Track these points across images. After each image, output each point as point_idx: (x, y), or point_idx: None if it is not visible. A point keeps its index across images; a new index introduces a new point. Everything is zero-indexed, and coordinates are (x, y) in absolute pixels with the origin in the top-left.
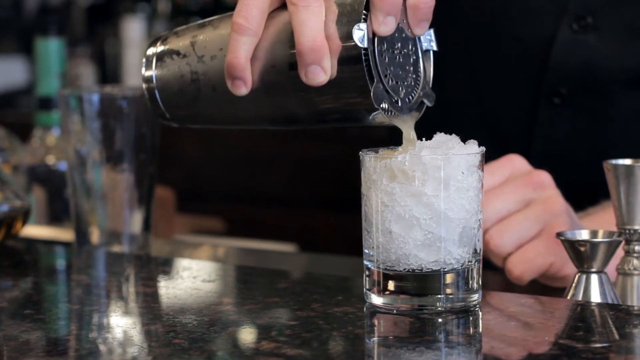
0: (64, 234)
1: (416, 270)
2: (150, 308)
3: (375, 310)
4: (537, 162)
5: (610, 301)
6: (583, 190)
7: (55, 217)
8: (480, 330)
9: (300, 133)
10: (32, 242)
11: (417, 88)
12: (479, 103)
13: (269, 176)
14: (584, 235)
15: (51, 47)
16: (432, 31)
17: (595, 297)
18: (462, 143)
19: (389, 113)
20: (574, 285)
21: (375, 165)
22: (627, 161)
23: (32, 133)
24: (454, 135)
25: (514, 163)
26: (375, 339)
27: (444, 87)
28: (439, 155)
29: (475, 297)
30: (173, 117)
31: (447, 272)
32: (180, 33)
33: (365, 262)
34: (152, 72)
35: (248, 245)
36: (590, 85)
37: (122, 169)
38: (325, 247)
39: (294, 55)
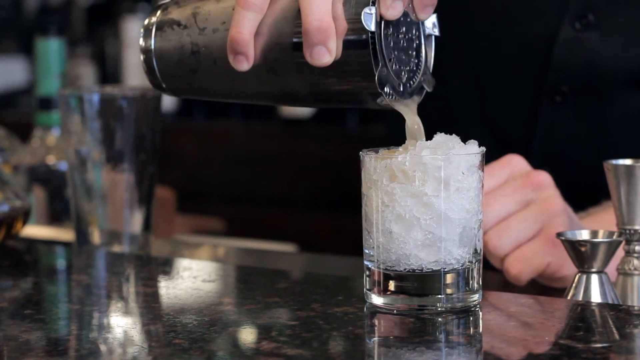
0: (64, 234)
1: (416, 271)
2: (150, 308)
3: (375, 310)
4: (537, 161)
5: (610, 301)
6: (583, 189)
7: (55, 217)
8: (481, 330)
9: (301, 133)
10: (32, 242)
11: (419, 73)
12: (479, 101)
13: (269, 176)
14: (584, 235)
15: (51, 47)
16: (435, 16)
17: (596, 297)
18: (462, 143)
19: (391, 97)
20: (574, 285)
21: (375, 165)
22: (628, 161)
23: (32, 133)
24: (454, 135)
25: (513, 164)
26: (376, 339)
27: (445, 85)
28: (439, 155)
29: (476, 297)
30: (170, 87)
31: (448, 272)
32: (181, 3)
33: (366, 262)
34: (151, 42)
35: (248, 245)
36: (591, 84)
37: (122, 169)
38: (325, 247)
39: (299, 34)
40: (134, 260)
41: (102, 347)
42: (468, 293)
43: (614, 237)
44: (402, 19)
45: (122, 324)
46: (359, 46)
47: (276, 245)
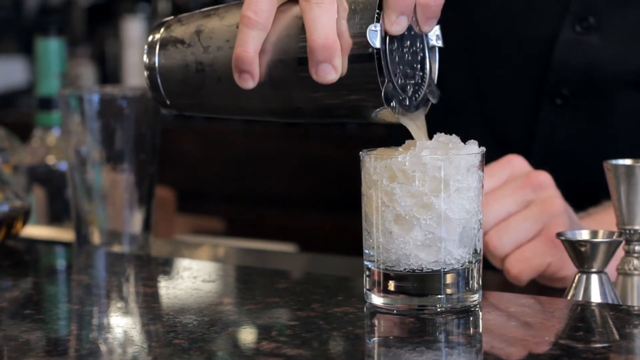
0: (64, 234)
1: (416, 271)
2: (150, 308)
3: (375, 311)
4: (538, 162)
5: (610, 301)
6: (584, 191)
7: (55, 217)
8: (481, 330)
9: (301, 133)
10: (32, 242)
11: (424, 85)
12: (480, 103)
13: (269, 176)
14: (584, 235)
15: (51, 47)
16: (438, 28)
17: (596, 297)
18: (462, 143)
19: (397, 111)
20: (574, 285)
21: (375, 165)
22: (628, 161)
23: (32, 133)
24: (454, 135)
25: (513, 164)
26: (376, 339)
27: (445, 87)
28: (439, 155)
29: (476, 297)
30: (174, 105)
31: (448, 272)
32: (184, 21)
33: (366, 262)
34: (154, 60)
35: (248, 245)
36: (592, 86)
37: (122, 169)
38: (325, 247)
39: (304, 51)
40: (134, 260)
41: (102, 347)
42: (468, 293)
43: (614, 237)
44: (406, 32)
45: (122, 324)
46: (364, 62)
47: (276, 245)
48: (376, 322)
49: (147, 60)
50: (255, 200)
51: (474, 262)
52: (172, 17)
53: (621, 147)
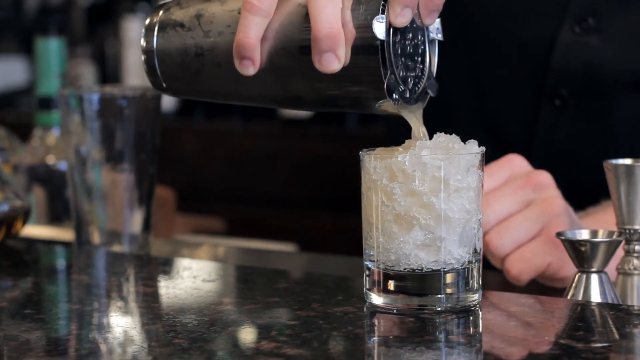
0: (64, 234)
1: (416, 270)
2: (150, 308)
3: (375, 310)
4: (537, 163)
5: (610, 301)
6: (584, 192)
7: (55, 217)
8: (481, 329)
9: (301, 133)
10: (32, 242)
11: (424, 78)
12: (479, 104)
13: (269, 176)
14: (584, 235)
15: (51, 47)
16: (439, 21)
17: (595, 297)
18: (462, 143)
19: (398, 103)
20: (574, 285)
21: (375, 165)
22: (627, 161)
23: (32, 133)
24: (454, 135)
25: (514, 164)
26: (376, 338)
27: (445, 87)
28: (439, 155)
29: (476, 296)
30: (171, 88)
31: (447, 271)
32: (183, 4)
33: (366, 262)
34: (152, 43)
35: (248, 245)
36: (591, 87)
37: (122, 169)
38: (325, 247)
39: (307, 40)
40: (134, 260)
41: (102, 347)
42: (468, 293)
43: (614, 236)
44: (408, 25)
45: (122, 323)
46: (368, 53)
47: (276, 245)
48: (376, 321)
49: (145, 44)
50: (255, 200)
51: (474, 261)
52: (170, 0)
53: (621, 148)
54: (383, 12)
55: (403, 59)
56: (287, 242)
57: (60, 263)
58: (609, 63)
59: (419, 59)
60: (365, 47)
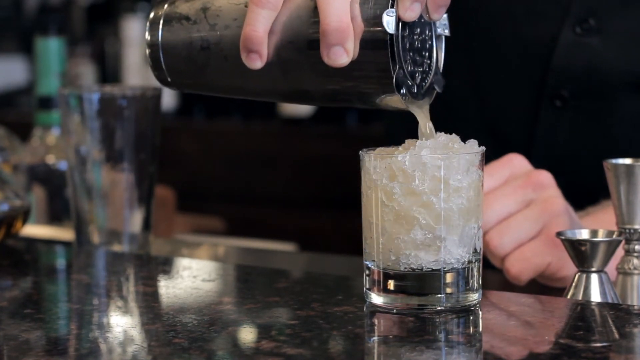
0: (64, 233)
1: (416, 270)
2: (150, 307)
3: (375, 310)
4: (537, 163)
5: (610, 301)
6: (584, 192)
7: (55, 216)
8: (480, 329)
9: (301, 133)
10: (32, 242)
11: (431, 73)
12: (480, 104)
13: (269, 176)
14: (584, 234)
15: (51, 47)
16: (446, 17)
17: (595, 296)
18: (462, 143)
19: (406, 98)
20: (574, 284)
21: (375, 165)
22: (627, 161)
23: (32, 132)
24: (454, 134)
25: (514, 163)
26: (375, 338)
27: (445, 87)
28: (439, 154)
29: (476, 296)
30: (176, 83)
31: (447, 271)
32: None
33: (366, 262)
34: (157, 36)
35: (248, 244)
36: (592, 88)
37: (122, 168)
38: (325, 247)
39: (315, 34)
40: (134, 260)
41: (102, 347)
42: (468, 292)
43: (614, 236)
44: (416, 19)
45: (122, 323)
46: (377, 48)
47: (276, 245)
48: (376, 321)
49: (149, 37)
50: (255, 200)
51: (473, 261)
52: None
53: (621, 148)
54: (392, 6)
55: (411, 54)
56: (287, 242)
57: (60, 263)
58: (610, 64)
59: (427, 54)
60: (374, 41)
